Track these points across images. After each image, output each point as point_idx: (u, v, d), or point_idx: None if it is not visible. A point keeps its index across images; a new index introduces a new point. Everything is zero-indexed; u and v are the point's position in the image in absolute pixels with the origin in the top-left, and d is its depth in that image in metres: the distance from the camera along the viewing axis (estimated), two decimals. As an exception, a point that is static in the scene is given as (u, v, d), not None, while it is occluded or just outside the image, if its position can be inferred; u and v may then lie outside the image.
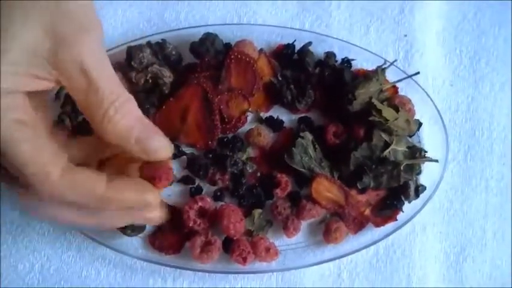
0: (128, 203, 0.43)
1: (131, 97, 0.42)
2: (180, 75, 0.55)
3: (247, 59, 0.54)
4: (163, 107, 0.54)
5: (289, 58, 0.56)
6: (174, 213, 0.52)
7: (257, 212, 0.54)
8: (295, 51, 0.56)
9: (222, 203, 0.54)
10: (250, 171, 0.54)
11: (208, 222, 0.52)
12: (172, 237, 0.53)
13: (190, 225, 0.51)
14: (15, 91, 0.38)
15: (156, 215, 0.48)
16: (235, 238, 0.52)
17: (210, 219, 0.52)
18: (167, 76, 0.53)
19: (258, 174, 0.55)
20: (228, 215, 0.51)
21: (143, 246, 0.54)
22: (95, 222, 0.45)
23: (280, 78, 0.55)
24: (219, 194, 0.54)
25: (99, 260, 0.54)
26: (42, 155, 0.39)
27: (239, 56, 0.54)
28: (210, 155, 0.54)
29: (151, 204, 0.45)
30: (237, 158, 0.54)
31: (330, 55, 0.56)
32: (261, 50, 0.55)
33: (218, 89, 0.54)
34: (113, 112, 0.40)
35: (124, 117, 0.41)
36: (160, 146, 0.43)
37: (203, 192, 0.54)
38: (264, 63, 0.55)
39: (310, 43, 0.56)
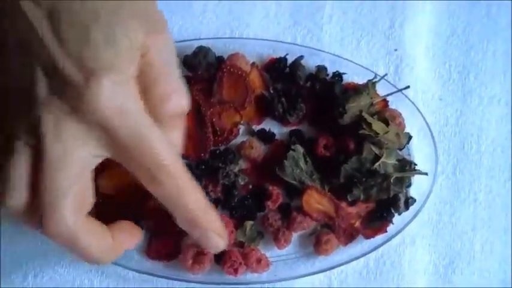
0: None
1: None
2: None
3: (239, 72, 0.55)
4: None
5: (281, 71, 0.57)
6: (167, 220, 0.53)
7: (249, 223, 0.54)
8: (287, 64, 0.57)
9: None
10: (242, 183, 0.55)
11: None
12: (166, 243, 0.54)
13: (178, 229, 0.52)
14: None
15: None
16: (226, 249, 0.53)
17: None
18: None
19: (250, 186, 0.55)
20: (220, 226, 0.52)
21: (136, 257, 0.54)
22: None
23: (271, 91, 0.56)
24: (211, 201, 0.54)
25: (92, 270, 0.55)
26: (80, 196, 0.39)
27: (231, 70, 0.55)
28: (202, 167, 0.55)
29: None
30: (229, 170, 0.54)
31: (321, 69, 0.57)
32: (253, 64, 0.56)
33: (210, 101, 0.54)
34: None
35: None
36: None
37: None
38: (256, 76, 0.56)
39: (301, 57, 0.57)
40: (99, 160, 0.39)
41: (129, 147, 0.38)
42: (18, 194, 0.38)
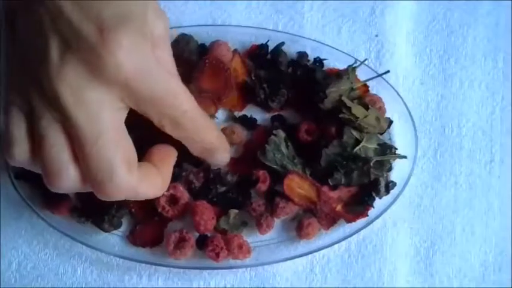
0: None
1: None
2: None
3: (221, 65, 0.55)
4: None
5: (263, 58, 0.57)
6: (150, 204, 0.53)
7: (233, 212, 0.54)
8: (269, 51, 0.57)
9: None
10: (230, 180, 0.55)
11: (179, 212, 0.53)
12: (149, 230, 0.54)
13: (159, 210, 0.52)
14: None
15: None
16: (206, 235, 0.53)
17: (183, 210, 0.53)
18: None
19: (235, 178, 0.55)
20: (201, 212, 0.52)
21: (119, 244, 0.55)
22: None
23: (253, 78, 0.56)
24: (195, 190, 0.55)
25: (75, 257, 0.55)
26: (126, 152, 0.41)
27: (214, 62, 0.55)
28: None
29: None
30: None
31: (302, 55, 0.57)
32: (235, 50, 0.56)
33: (188, 87, 0.55)
34: None
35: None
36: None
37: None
38: (238, 63, 0.56)
39: (282, 43, 0.57)
40: (127, 111, 0.41)
41: (151, 100, 0.40)
42: (66, 174, 0.39)
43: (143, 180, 0.42)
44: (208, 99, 0.55)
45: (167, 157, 0.47)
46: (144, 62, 0.39)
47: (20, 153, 0.40)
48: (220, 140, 0.50)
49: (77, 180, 0.40)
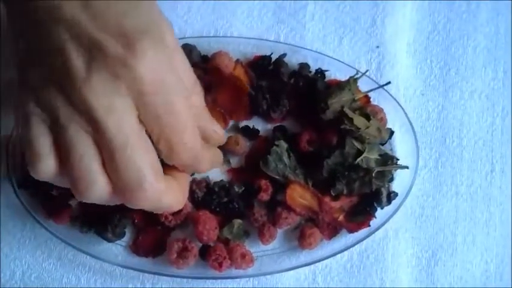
0: None
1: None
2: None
3: (244, 89, 0.56)
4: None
5: (265, 69, 0.57)
6: (153, 217, 0.54)
7: (237, 222, 0.55)
8: (271, 62, 0.58)
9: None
10: (237, 190, 0.55)
11: (181, 221, 0.54)
12: (151, 240, 0.55)
13: (162, 220, 0.53)
14: None
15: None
16: (209, 244, 0.54)
17: (185, 219, 0.54)
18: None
19: (241, 190, 0.56)
20: (204, 221, 0.53)
21: (122, 253, 0.55)
22: None
23: (253, 88, 0.57)
24: (197, 200, 0.55)
25: (79, 267, 0.55)
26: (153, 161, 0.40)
27: (237, 83, 0.56)
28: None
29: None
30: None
31: (304, 66, 0.57)
32: (237, 61, 0.57)
33: (205, 97, 0.55)
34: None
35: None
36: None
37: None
38: (241, 73, 0.57)
39: (284, 54, 0.57)
40: None
41: (158, 116, 0.39)
42: (97, 185, 0.39)
43: (167, 191, 0.41)
44: (219, 114, 0.56)
45: (184, 171, 0.46)
46: (166, 74, 0.39)
47: (48, 167, 0.39)
48: (212, 166, 0.50)
49: (107, 190, 0.39)
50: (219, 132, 0.47)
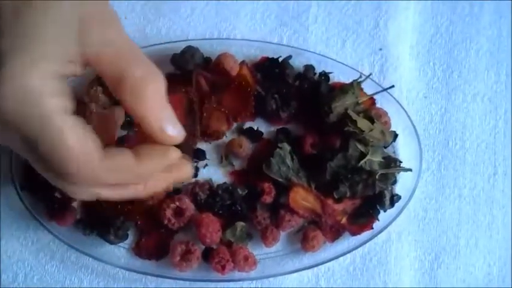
0: (157, 169, 0.41)
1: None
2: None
3: (250, 90, 0.56)
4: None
5: (270, 70, 0.57)
6: (155, 216, 0.54)
7: (240, 224, 0.55)
8: (278, 64, 0.57)
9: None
10: (240, 193, 0.55)
11: (184, 224, 0.54)
12: (154, 242, 0.55)
13: (165, 223, 0.53)
14: (62, 75, 0.36)
15: (186, 171, 0.45)
16: (212, 247, 0.54)
17: (188, 222, 0.54)
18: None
19: (244, 193, 0.56)
20: (207, 224, 0.53)
21: (125, 256, 0.55)
22: (132, 194, 0.43)
23: (259, 89, 0.57)
24: (200, 202, 0.55)
25: (82, 269, 0.55)
26: (86, 143, 0.37)
27: (243, 83, 0.56)
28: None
29: (175, 160, 0.42)
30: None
31: (309, 68, 0.57)
32: (242, 62, 0.57)
33: (210, 97, 0.55)
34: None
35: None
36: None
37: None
38: (246, 74, 0.57)
39: (290, 57, 0.57)
40: None
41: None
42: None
43: (108, 157, 0.38)
44: (223, 115, 0.56)
45: (154, 151, 0.41)
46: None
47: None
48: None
49: None
50: (169, 132, 0.40)
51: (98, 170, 0.38)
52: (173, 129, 0.40)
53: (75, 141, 0.36)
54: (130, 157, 0.40)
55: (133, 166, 0.40)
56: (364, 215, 0.55)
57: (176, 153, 0.41)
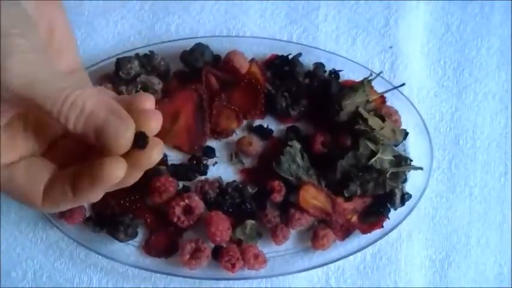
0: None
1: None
2: (168, 84, 0.56)
3: (259, 88, 0.56)
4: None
5: (280, 68, 0.57)
6: (164, 213, 0.54)
7: (250, 222, 0.55)
8: (288, 62, 0.57)
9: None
10: (250, 191, 0.55)
11: (194, 222, 0.53)
12: (164, 240, 0.54)
13: (174, 220, 0.52)
14: None
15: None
16: (222, 245, 0.53)
17: (197, 220, 0.54)
18: (156, 83, 0.55)
19: (254, 191, 0.55)
20: (217, 222, 0.52)
21: (134, 254, 0.55)
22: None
23: (269, 87, 0.56)
24: (210, 200, 0.55)
25: (91, 267, 0.55)
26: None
27: (253, 81, 0.56)
28: (194, 162, 0.56)
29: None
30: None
31: (319, 65, 0.57)
32: (252, 59, 0.57)
33: (219, 95, 0.55)
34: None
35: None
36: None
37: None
38: (256, 72, 0.57)
39: (300, 54, 0.57)
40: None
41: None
42: None
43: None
44: (233, 113, 0.55)
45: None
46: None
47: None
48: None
49: None
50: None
51: (42, 208, 0.36)
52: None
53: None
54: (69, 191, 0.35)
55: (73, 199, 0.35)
56: (374, 214, 0.55)
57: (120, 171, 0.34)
